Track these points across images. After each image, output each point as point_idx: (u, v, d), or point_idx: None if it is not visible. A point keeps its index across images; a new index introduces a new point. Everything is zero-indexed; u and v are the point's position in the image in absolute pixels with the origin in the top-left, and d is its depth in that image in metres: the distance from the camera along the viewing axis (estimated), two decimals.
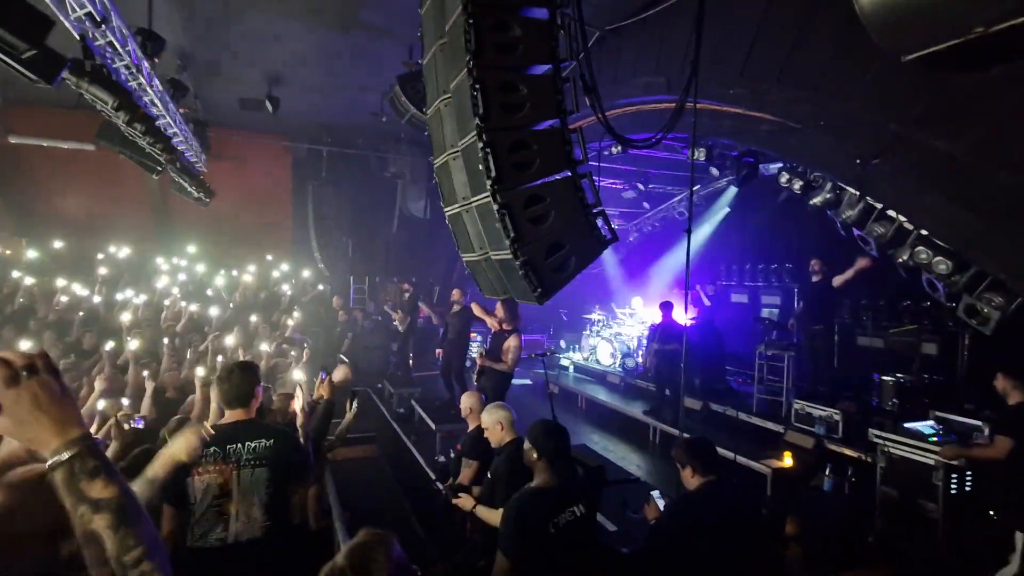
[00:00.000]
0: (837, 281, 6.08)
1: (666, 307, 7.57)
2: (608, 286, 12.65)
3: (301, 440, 2.70)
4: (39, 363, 0.91)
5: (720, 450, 2.80)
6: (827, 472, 4.89)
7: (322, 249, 12.42)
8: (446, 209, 3.33)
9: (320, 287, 11.23)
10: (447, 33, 2.23)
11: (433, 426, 6.59)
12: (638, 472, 5.96)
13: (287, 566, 2.32)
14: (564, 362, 10.94)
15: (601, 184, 2.51)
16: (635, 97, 5.77)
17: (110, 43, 4.39)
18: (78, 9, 3.81)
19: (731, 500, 2.57)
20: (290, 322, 7.84)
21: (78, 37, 4.05)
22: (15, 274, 7.68)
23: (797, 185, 5.90)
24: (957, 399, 5.53)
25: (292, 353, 6.09)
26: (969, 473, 4.34)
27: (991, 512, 3.88)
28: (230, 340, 6.10)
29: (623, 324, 10.65)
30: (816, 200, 5.63)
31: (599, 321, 11.00)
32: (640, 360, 9.36)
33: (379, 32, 6.17)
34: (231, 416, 2.53)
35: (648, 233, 11.88)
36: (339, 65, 7.29)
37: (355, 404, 3.79)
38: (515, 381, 6.81)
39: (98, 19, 3.96)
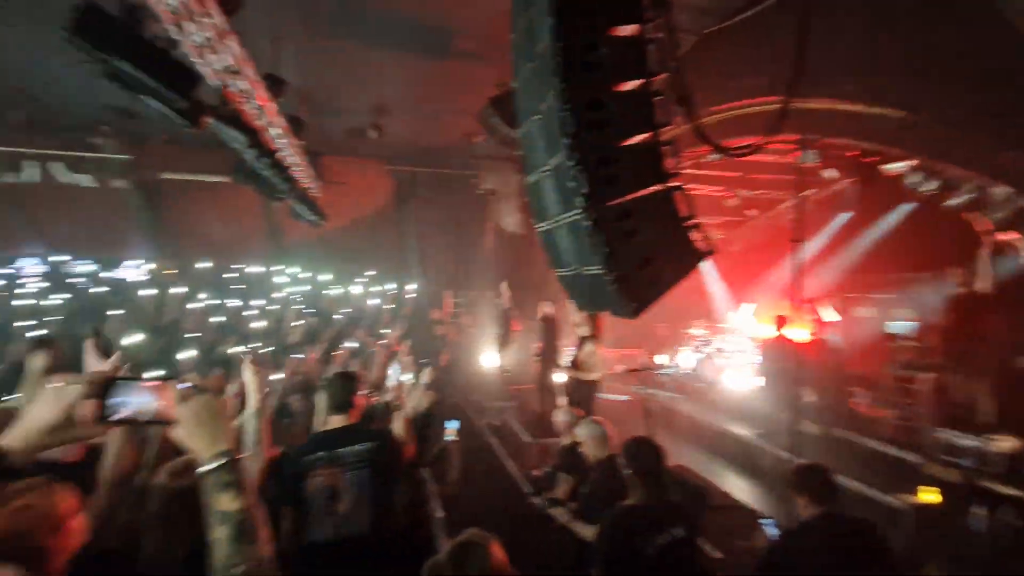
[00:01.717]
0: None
1: (778, 321, 7.11)
2: (711, 299, 12.09)
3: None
4: (207, 387, 1.13)
5: (847, 481, 2.59)
6: (979, 510, 4.28)
7: (423, 263, 13.17)
8: (538, 226, 3.43)
9: (414, 297, 11.92)
10: (536, 56, 2.35)
11: (527, 440, 6.69)
12: (747, 498, 5.60)
13: (391, 563, 2.51)
14: (664, 378, 10.59)
15: (700, 193, 2.47)
16: (734, 101, 5.55)
17: (242, 89, 5.07)
18: (218, 64, 4.46)
19: (851, 534, 2.37)
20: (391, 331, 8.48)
21: (218, 86, 4.72)
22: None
23: (930, 185, 5.30)
24: None
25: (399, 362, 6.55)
26: None
27: None
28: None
29: (728, 339, 10.10)
30: (954, 201, 5.02)
31: (701, 336, 10.52)
32: (748, 378, 8.82)
33: (472, 58, 6.52)
34: (335, 422, 2.78)
35: (755, 243, 11.21)
36: (435, 91, 7.77)
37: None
38: (612, 397, 6.73)
39: (234, 70, 4.61)
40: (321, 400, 2.95)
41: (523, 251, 12.69)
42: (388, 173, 12.22)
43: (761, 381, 7.95)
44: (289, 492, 2.54)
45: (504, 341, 9.64)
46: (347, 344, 7.59)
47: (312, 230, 10.60)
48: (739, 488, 6.11)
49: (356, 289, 11.70)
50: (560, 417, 4.21)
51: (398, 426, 2.96)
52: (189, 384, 1.13)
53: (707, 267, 10.07)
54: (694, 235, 2.33)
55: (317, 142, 9.27)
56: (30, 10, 5.29)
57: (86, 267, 12.24)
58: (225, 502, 1.05)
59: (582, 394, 5.93)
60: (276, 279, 12.26)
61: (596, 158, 2.16)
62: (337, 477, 2.56)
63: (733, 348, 9.74)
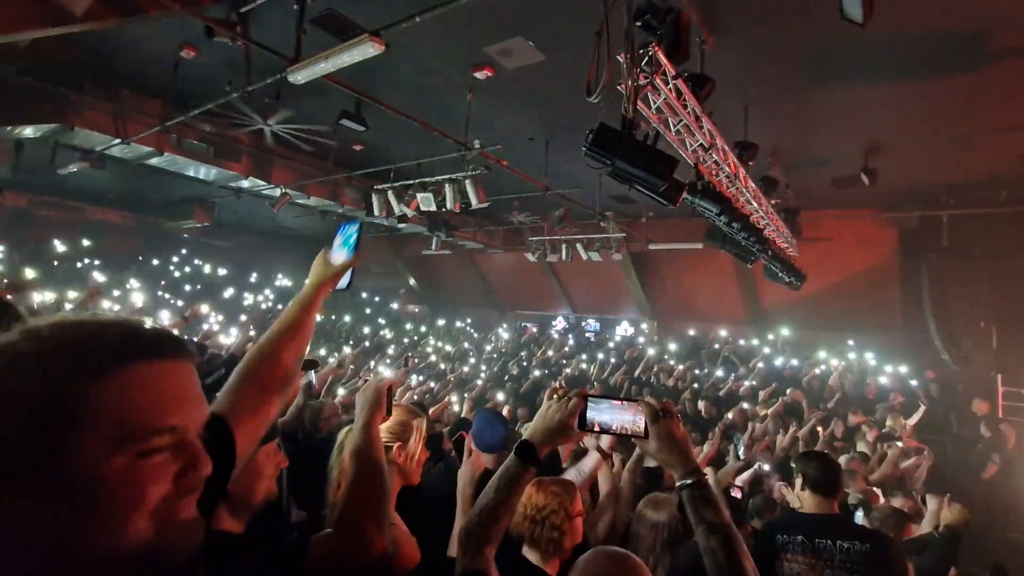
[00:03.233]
0: None
1: None
2: None
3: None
4: (670, 409, 1.35)
5: None
6: None
7: (946, 337, 10.36)
8: None
9: (940, 380, 9.42)
10: None
11: None
12: None
13: None
14: None
15: None
16: None
17: (715, 161, 5.52)
18: (693, 144, 5.04)
19: None
20: (901, 421, 7.00)
21: (692, 164, 5.32)
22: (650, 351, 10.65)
23: None
24: None
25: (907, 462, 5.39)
26: None
27: None
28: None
29: None
30: None
31: None
32: None
33: (1020, 55, 4.95)
34: (816, 505, 2.54)
35: None
36: (959, 111, 6.26)
37: None
38: None
39: (707, 146, 5.10)
40: (798, 478, 2.75)
41: None
42: (888, 222, 10.43)
43: None
44: (761, 564, 2.46)
45: None
46: (832, 427, 6.74)
47: (792, 293, 10.16)
48: None
49: (848, 362, 10.33)
50: None
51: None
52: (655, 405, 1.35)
53: None
54: None
55: (796, 198, 8.97)
56: (574, 139, 7.50)
57: (594, 324, 15.87)
58: (710, 515, 1.22)
59: None
60: (751, 344, 12.33)
61: None
62: (819, 572, 2.32)
63: None
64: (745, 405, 7.57)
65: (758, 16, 4.85)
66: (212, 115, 7.14)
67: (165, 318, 7.65)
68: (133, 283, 12.46)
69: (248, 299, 14.95)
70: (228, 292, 15.07)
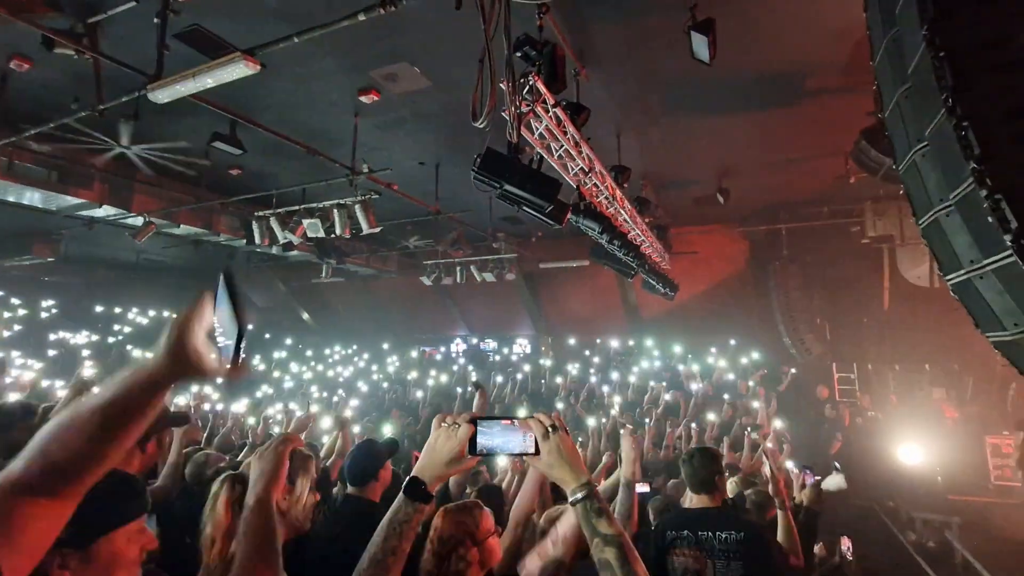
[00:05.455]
0: None
1: None
2: None
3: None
4: (558, 423, 1.29)
5: None
6: None
7: (792, 333, 11.77)
8: (947, 278, 2.72)
9: (791, 371, 10.63)
10: (910, 77, 1.91)
11: None
12: None
13: None
14: None
15: None
16: None
17: (594, 183, 5.85)
18: (574, 168, 5.31)
19: None
20: (755, 404, 7.79)
21: (574, 187, 5.59)
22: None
23: None
24: None
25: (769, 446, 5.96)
26: None
27: None
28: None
29: None
30: None
31: None
32: None
33: (830, 94, 5.84)
34: (698, 501, 2.71)
35: None
36: (789, 139, 7.22)
37: None
38: None
39: (587, 170, 5.39)
40: (683, 476, 2.93)
41: (948, 311, 9.94)
42: (741, 235, 11.71)
43: None
44: (651, 565, 2.56)
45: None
46: (710, 419, 7.35)
47: (667, 302, 10.96)
48: None
49: (716, 361, 11.33)
50: None
51: (782, 522, 2.72)
52: (548, 421, 1.29)
53: None
54: None
55: (666, 216, 9.76)
56: (464, 163, 7.56)
57: (491, 344, 15.98)
58: (604, 526, 1.18)
59: None
60: (634, 352, 13.11)
61: None
62: (702, 562, 2.46)
63: None
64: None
65: (622, 52, 5.26)
66: (57, 136, 6.27)
67: None
68: None
69: (94, 340, 13.04)
70: (78, 334, 13.12)
